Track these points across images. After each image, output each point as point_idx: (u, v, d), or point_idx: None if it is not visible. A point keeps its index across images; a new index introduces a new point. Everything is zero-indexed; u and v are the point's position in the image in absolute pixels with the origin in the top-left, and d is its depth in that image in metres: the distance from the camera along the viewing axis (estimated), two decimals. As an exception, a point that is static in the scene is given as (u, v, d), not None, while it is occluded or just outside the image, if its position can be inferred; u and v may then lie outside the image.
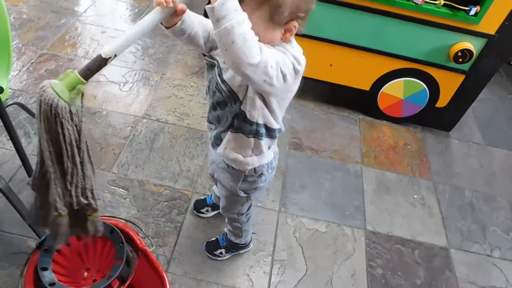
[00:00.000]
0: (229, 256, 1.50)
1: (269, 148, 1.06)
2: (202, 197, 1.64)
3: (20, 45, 2.27)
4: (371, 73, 2.06)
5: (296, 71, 0.85)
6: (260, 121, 0.95)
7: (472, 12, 1.72)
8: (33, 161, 1.64)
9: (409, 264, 1.61)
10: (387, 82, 2.06)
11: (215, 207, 1.59)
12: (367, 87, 2.11)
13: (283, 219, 1.67)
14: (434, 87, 2.03)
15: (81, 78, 0.71)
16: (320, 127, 2.13)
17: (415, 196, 1.87)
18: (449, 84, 2.01)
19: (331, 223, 1.69)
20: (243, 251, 1.52)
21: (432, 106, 2.11)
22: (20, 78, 2.08)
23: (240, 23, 0.71)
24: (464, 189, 1.95)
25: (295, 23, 0.83)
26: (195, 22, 0.89)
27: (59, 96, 0.70)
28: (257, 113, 0.92)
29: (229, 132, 0.99)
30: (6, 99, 1.37)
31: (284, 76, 0.82)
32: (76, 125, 0.74)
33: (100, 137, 1.85)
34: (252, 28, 0.74)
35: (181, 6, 0.79)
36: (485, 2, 1.69)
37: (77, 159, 0.76)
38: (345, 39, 1.94)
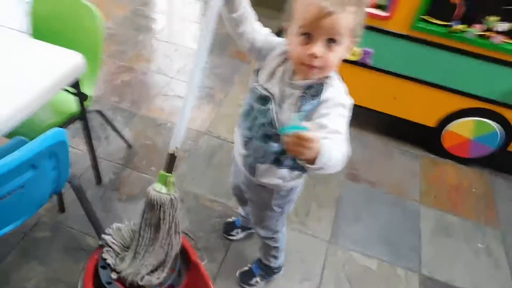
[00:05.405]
0: (264, 283, 1.47)
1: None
2: (231, 220, 1.62)
3: (104, 56, 2.47)
4: (438, 110, 1.97)
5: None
6: None
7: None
8: (101, 164, 1.78)
9: (468, 319, 1.48)
10: (455, 120, 1.96)
11: (245, 228, 1.59)
12: (432, 124, 2.02)
13: (333, 250, 1.62)
14: (507, 130, 1.90)
15: (166, 173, 0.95)
16: (379, 160, 2.07)
17: (479, 245, 1.73)
18: (526, 128, 1.87)
19: (383, 261, 1.61)
20: (275, 275, 1.48)
21: (504, 150, 1.97)
22: (99, 86, 2.26)
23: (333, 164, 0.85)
24: (537, 243, 1.77)
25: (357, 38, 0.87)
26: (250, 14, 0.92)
27: (160, 193, 0.95)
28: None
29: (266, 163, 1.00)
30: (88, 106, 1.50)
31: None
32: (175, 210, 0.97)
33: (162, 147, 1.94)
34: (334, 56, 0.83)
35: None
36: None
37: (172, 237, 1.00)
38: (413, 73, 1.89)
